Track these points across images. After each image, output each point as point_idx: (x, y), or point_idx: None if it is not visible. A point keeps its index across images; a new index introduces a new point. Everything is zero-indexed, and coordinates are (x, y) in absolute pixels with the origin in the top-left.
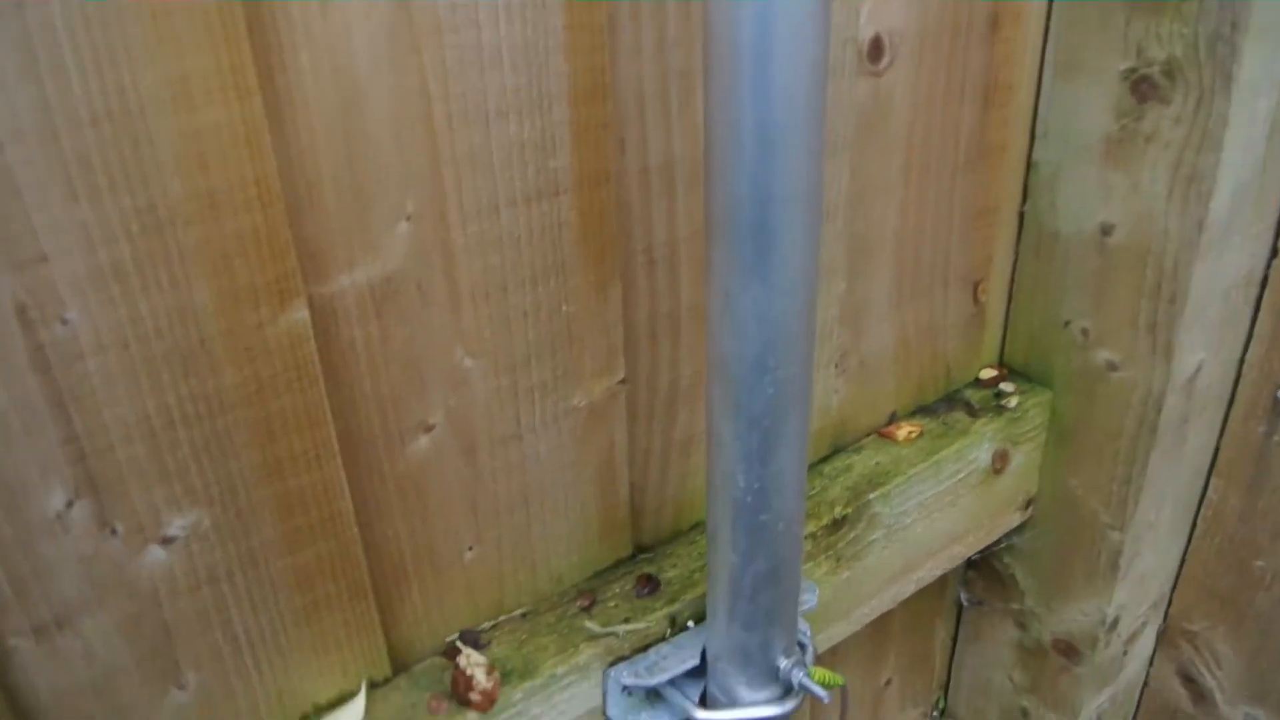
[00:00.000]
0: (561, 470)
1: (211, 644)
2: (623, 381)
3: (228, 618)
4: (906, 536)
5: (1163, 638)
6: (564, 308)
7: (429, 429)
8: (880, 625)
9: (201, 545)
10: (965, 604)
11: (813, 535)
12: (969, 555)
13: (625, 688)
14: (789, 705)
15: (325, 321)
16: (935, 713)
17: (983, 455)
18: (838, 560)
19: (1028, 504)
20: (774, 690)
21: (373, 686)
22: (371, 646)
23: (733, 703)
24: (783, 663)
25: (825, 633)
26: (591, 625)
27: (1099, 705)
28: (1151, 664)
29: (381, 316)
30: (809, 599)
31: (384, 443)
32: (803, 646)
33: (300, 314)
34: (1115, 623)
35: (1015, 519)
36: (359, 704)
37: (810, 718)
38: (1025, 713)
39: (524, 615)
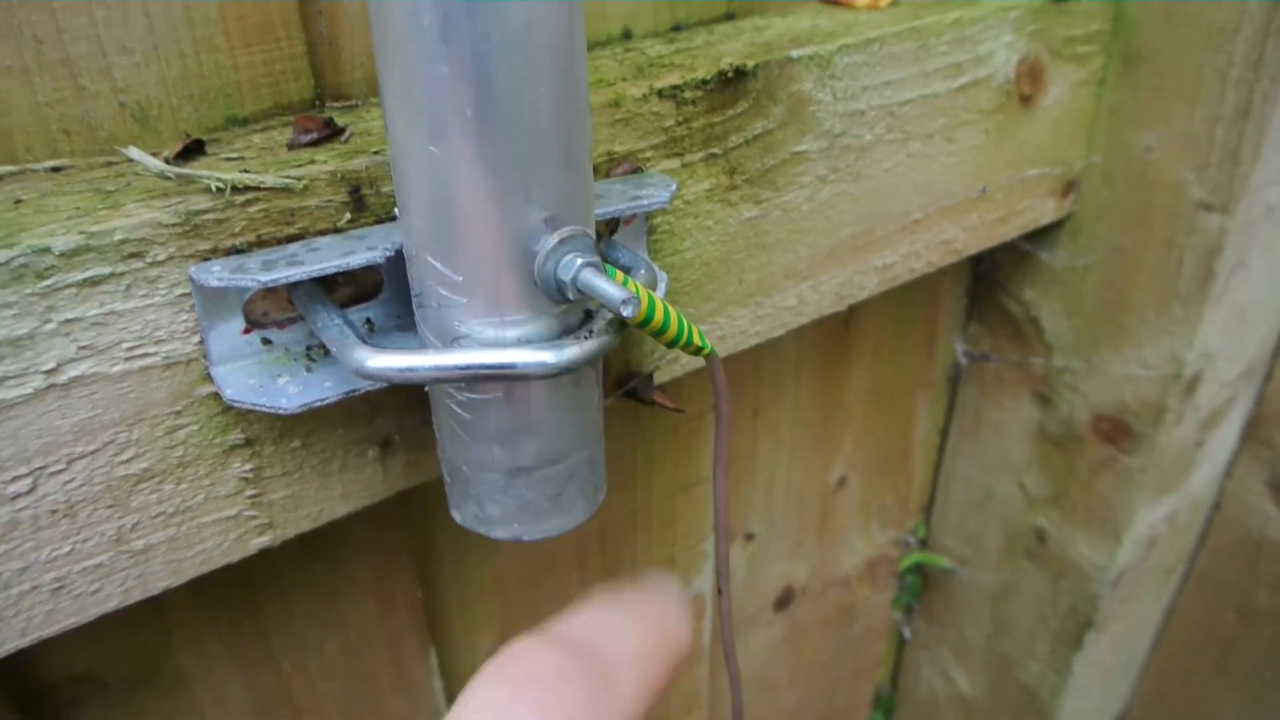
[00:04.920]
0: None
1: None
2: None
3: None
4: (864, 170)
5: (1252, 431)
6: None
7: None
8: (831, 377)
9: None
10: (963, 361)
11: (676, 95)
12: (972, 252)
13: (250, 331)
14: (567, 353)
15: None
16: (912, 539)
17: (1001, 54)
18: (732, 173)
19: (1068, 188)
20: (536, 323)
21: None
22: None
23: (451, 343)
24: (543, 242)
25: (711, 321)
26: (153, 164)
27: (1152, 525)
28: (1231, 473)
29: None
30: (656, 192)
31: None
32: (626, 268)
33: None
34: (1194, 383)
35: (1048, 208)
36: None
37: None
38: (1042, 536)
39: (57, 170)
